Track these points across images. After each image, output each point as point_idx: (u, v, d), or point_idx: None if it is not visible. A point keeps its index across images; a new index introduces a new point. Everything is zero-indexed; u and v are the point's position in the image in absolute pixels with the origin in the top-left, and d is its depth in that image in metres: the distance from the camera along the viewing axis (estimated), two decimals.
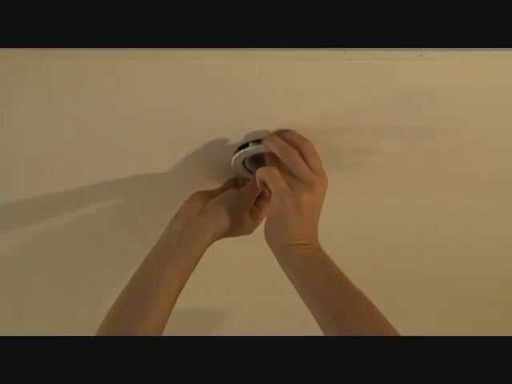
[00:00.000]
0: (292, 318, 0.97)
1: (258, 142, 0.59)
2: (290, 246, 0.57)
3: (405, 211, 0.76)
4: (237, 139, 0.60)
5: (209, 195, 0.64)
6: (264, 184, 0.59)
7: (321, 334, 0.53)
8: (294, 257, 0.57)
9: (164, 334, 0.58)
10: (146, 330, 0.56)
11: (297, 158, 0.57)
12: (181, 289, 0.60)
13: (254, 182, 0.62)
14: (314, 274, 0.56)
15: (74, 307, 0.92)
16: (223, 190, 0.65)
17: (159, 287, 0.58)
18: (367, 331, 0.50)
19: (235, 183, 0.66)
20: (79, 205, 0.70)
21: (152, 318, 0.57)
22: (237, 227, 0.63)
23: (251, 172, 0.63)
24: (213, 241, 0.62)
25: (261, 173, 0.58)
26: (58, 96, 0.53)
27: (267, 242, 0.59)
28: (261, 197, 0.64)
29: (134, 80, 0.52)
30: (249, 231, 0.65)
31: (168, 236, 0.61)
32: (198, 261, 0.61)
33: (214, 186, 0.67)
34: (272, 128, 0.59)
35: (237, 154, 0.60)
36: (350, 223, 0.78)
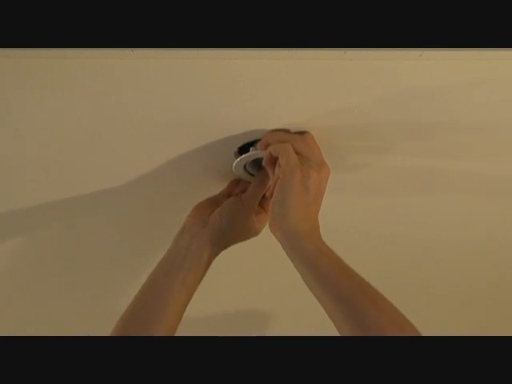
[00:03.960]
0: (292, 317, 0.97)
1: (257, 142, 0.59)
2: (296, 228, 0.55)
3: (406, 212, 0.76)
4: (237, 139, 0.60)
5: (212, 204, 0.63)
6: (271, 161, 0.58)
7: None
8: (302, 241, 0.54)
9: None
10: None
11: (312, 139, 0.58)
12: (188, 302, 0.60)
13: (256, 188, 0.62)
14: (327, 262, 0.52)
15: (76, 310, 0.92)
16: (226, 194, 0.65)
17: (166, 302, 0.58)
18: (391, 329, 0.47)
19: (237, 185, 0.66)
20: (79, 204, 0.70)
21: (159, 332, 0.57)
22: (243, 233, 0.63)
23: (252, 175, 0.63)
24: (219, 251, 0.62)
25: (274, 147, 0.57)
26: (58, 95, 0.53)
27: (272, 227, 0.57)
28: (264, 198, 0.64)
29: (134, 80, 0.52)
30: (255, 234, 0.65)
31: (175, 250, 0.61)
32: (204, 273, 0.61)
33: (215, 185, 0.67)
34: (272, 128, 0.59)
35: (238, 159, 0.60)
36: (350, 225, 0.78)
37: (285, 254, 0.56)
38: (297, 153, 0.56)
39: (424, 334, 0.48)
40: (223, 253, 0.63)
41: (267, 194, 0.60)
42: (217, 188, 0.67)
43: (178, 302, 0.59)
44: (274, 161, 0.58)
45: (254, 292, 0.91)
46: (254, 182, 0.63)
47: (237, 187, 0.66)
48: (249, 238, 0.65)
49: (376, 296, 0.50)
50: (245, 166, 0.62)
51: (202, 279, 0.61)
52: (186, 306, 0.60)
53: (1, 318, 0.94)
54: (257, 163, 0.62)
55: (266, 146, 0.58)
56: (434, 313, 0.96)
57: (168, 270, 0.60)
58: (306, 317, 0.88)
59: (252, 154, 0.60)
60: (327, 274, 0.51)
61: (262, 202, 0.64)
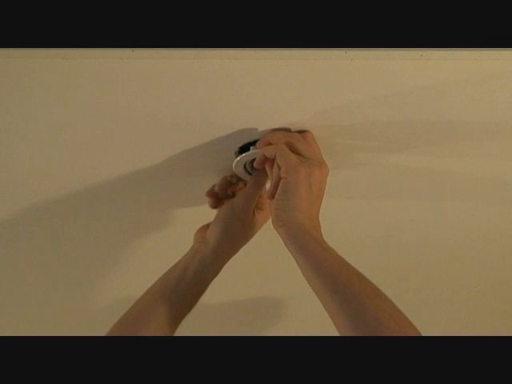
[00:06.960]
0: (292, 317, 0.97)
1: (258, 141, 0.59)
2: (300, 225, 0.55)
3: (406, 211, 0.76)
4: (237, 138, 0.60)
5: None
6: (264, 163, 0.59)
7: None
8: (305, 236, 0.54)
9: None
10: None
11: (312, 138, 0.59)
12: (184, 314, 0.62)
13: (252, 188, 0.63)
14: (329, 258, 0.53)
15: (75, 308, 0.92)
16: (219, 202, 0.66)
17: (159, 310, 0.59)
18: (388, 322, 0.47)
19: (226, 186, 0.66)
20: (80, 204, 0.70)
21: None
22: (242, 236, 0.65)
23: (251, 174, 0.64)
24: (225, 262, 0.64)
25: (270, 150, 0.57)
26: (58, 96, 0.53)
27: (275, 223, 0.57)
28: (260, 197, 0.64)
29: (134, 80, 0.52)
30: (252, 234, 0.66)
31: (178, 264, 0.63)
32: (206, 287, 0.63)
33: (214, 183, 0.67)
34: (272, 127, 0.59)
35: (238, 158, 0.60)
36: (350, 223, 0.78)
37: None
38: (297, 152, 0.57)
39: (424, 334, 0.48)
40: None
41: (266, 195, 0.60)
42: None
43: (172, 313, 0.60)
44: (266, 162, 0.59)
45: (254, 292, 0.91)
46: (250, 183, 0.63)
47: (226, 189, 0.66)
48: (251, 237, 0.66)
49: (375, 290, 0.51)
50: (245, 166, 0.62)
51: (202, 293, 0.63)
52: (181, 318, 0.61)
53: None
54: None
55: (267, 145, 0.58)
56: (434, 313, 0.96)
57: (167, 280, 0.62)
58: (307, 317, 0.88)
59: (252, 153, 0.60)
60: (328, 269, 0.52)
61: (259, 200, 0.65)
